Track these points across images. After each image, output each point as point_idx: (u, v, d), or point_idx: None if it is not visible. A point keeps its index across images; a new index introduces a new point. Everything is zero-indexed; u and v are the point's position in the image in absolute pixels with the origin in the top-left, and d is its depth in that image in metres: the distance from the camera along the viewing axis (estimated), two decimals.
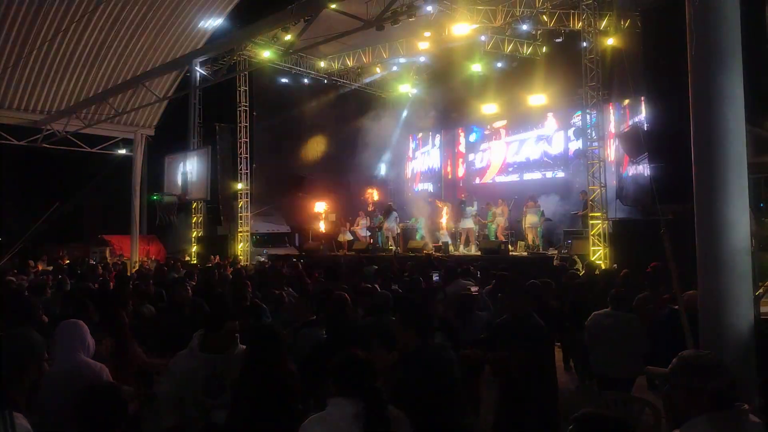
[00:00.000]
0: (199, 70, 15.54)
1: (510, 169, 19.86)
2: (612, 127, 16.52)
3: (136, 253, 18.29)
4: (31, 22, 14.21)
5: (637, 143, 12.97)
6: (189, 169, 17.09)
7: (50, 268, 12.52)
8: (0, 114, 16.20)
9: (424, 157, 23.01)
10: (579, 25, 14.09)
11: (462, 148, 21.51)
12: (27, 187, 23.42)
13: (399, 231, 17.53)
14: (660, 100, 11.24)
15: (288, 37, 11.79)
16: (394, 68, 19.12)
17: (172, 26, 16.19)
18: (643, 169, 14.76)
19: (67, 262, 14.43)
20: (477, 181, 20.73)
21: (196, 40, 16.83)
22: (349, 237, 18.18)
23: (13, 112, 16.36)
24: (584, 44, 13.17)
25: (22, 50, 14.61)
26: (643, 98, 13.82)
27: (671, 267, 4.39)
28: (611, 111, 16.63)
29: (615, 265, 11.30)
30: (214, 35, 16.65)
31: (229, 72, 16.12)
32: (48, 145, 17.44)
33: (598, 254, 12.11)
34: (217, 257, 15.45)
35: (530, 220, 14.78)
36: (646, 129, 12.45)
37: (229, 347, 3.41)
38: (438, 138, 22.38)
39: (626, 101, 16.46)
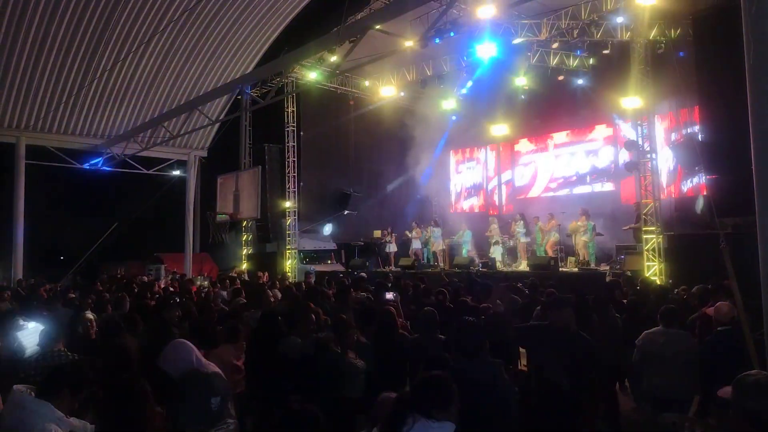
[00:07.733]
0: (249, 93, 16.01)
1: (560, 181, 19.49)
2: (665, 138, 16.04)
3: (189, 270, 18.84)
4: (92, 53, 15.05)
5: (692, 154, 12.55)
6: (240, 188, 17.53)
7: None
8: (63, 139, 17.14)
9: (469, 173, 22.89)
10: (627, 35, 13.80)
11: (506, 163, 21.29)
12: (87, 208, 24.53)
13: (444, 247, 17.39)
14: (716, 109, 10.88)
15: (334, 59, 11.98)
16: (439, 84, 19.12)
17: (223, 52, 16.82)
18: (699, 181, 14.25)
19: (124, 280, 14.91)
20: (523, 195, 20.45)
21: (245, 64, 17.41)
22: (394, 249, 18.10)
23: (76, 137, 17.26)
24: (633, 54, 12.87)
25: (84, 79, 15.48)
26: (697, 107, 13.38)
27: (732, 283, 4.21)
28: (663, 121, 16.16)
29: (670, 281, 10.90)
30: (262, 59, 17.17)
31: (277, 94, 16.52)
32: (108, 168, 18.25)
33: (653, 270, 11.68)
34: (266, 274, 15.70)
35: (581, 234, 14.41)
36: (701, 139, 12.04)
37: None
38: (483, 153, 22.24)
39: (678, 111, 15.97)
